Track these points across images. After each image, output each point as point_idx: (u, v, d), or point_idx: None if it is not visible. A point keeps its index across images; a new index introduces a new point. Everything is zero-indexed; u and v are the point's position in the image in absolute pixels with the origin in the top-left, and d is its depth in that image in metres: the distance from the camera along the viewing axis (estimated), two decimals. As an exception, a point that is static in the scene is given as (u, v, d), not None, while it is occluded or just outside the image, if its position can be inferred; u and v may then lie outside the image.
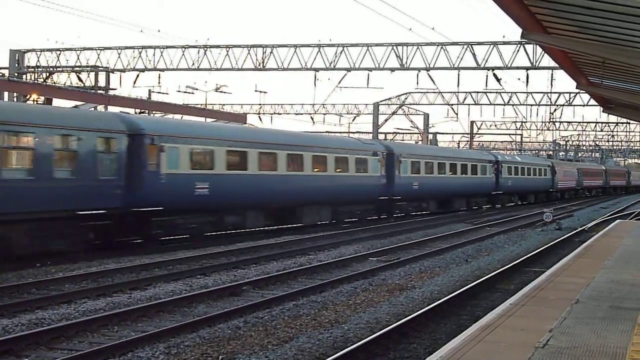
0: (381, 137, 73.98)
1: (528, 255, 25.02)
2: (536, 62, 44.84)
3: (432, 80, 50.91)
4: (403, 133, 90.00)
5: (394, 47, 46.83)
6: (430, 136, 78.60)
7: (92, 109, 27.65)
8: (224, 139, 28.85)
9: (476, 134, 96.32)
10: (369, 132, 76.89)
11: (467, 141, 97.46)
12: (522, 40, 23.50)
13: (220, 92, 62.92)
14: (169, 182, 25.73)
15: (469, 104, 70.83)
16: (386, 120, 72.47)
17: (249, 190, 29.63)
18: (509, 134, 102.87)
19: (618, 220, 38.69)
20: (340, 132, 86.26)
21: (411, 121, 78.30)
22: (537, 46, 39.60)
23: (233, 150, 29.01)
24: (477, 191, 54.80)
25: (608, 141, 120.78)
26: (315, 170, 34.49)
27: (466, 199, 53.55)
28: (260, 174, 30.31)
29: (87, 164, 23.01)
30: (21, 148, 21.58)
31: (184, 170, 26.49)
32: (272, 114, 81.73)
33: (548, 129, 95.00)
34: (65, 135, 22.54)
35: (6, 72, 52.45)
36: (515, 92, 67.14)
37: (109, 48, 51.96)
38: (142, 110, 47.58)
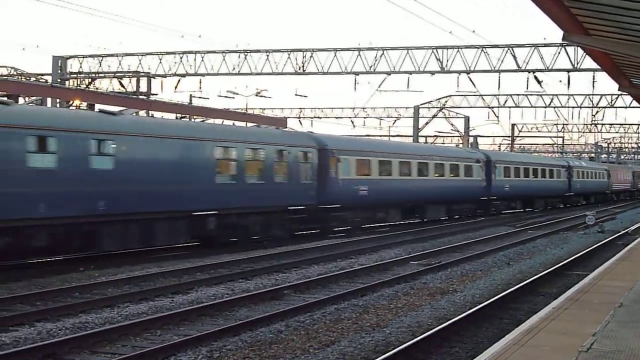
0: (421, 140, 73.78)
1: (570, 259, 24.83)
2: (578, 64, 44.41)
3: (473, 83, 50.49)
4: (444, 136, 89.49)
5: (434, 50, 46.68)
6: (471, 139, 78.14)
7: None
8: (377, 150, 37.10)
9: (517, 136, 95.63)
10: (409, 136, 76.58)
11: (509, 144, 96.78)
12: (563, 42, 23.34)
13: (261, 96, 63.00)
14: (343, 185, 33.41)
15: (509, 107, 70.35)
16: (426, 123, 72.08)
17: (393, 192, 37.31)
18: (551, 137, 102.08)
19: (662, 223, 38.23)
20: (381, 136, 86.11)
21: (452, 124, 77.94)
22: (579, 48, 39.21)
23: (383, 160, 36.79)
24: (554, 193, 62.70)
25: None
26: (436, 175, 42.31)
27: (544, 199, 61.13)
28: (400, 179, 38.10)
29: (294, 172, 30.50)
30: (257, 161, 28.86)
31: (352, 176, 34.26)
32: (312, 118, 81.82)
33: (590, 131, 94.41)
34: (281, 150, 29.88)
35: (49, 78, 52.98)
36: (557, 95, 66.64)
37: (150, 54, 52.10)
38: (184, 115, 47.85)
